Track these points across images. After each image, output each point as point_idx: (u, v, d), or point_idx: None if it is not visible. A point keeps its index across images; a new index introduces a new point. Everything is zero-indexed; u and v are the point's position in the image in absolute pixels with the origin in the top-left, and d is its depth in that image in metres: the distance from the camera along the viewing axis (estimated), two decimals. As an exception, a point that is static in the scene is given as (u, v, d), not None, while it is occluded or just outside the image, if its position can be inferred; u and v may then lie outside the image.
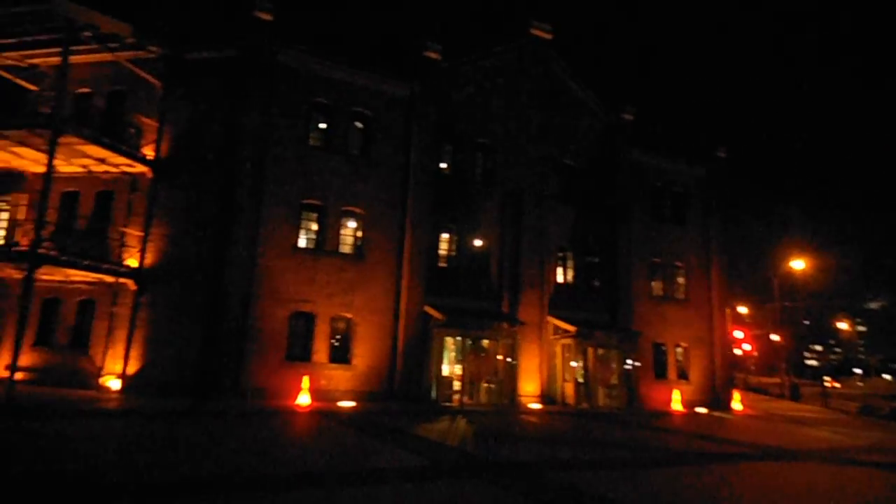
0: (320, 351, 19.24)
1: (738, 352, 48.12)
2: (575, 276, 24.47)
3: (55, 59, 19.68)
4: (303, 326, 19.36)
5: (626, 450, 13.02)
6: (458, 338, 21.19)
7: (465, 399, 20.16)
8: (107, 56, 19.01)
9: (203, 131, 19.16)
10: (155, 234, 19.00)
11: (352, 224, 20.52)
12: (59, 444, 10.47)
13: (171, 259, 18.82)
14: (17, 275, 18.74)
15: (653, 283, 26.32)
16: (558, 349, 22.82)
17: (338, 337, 19.74)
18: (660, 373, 25.58)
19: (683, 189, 27.66)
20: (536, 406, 21.30)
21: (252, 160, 18.57)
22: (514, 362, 21.41)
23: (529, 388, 22.01)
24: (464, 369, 20.68)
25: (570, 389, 22.31)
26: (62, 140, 16.24)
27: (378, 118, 20.93)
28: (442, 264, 22.00)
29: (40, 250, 15.75)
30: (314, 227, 19.94)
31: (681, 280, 27.10)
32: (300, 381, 18.08)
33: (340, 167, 20.14)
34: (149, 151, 19.11)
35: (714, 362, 26.72)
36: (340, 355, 19.63)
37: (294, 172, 19.37)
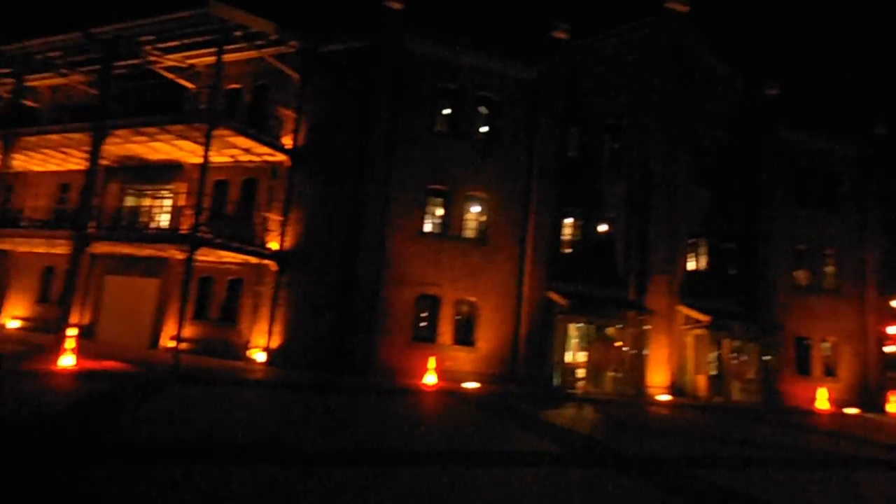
0: (445, 333, 19.71)
1: (894, 349, 43.33)
2: (708, 264, 23.11)
3: (210, 59, 21.49)
4: (428, 309, 19.92)
5: (768, 448, 12.19)
6: (583, 325, 20.83)
7: (590, 387, 19.83)
8: (253, 53, 20.48)
9: (336, 120, 20.13)
10: (293, 219, 20.32)
11: (476, 208, 20.72)
12: (222, 410, 11.59)
13: (307, 242, 20.05)
14: (179, 255, 20.87)
15: (797, 273, 24.26)
16: (689, 340, 21.74)
17: (462, 320, 20.10)
18: (802, 369, 23.63)
19: (835, 170, 25.14)
20: (665, 398, 20.49)
21: (381, 147, 19.26)
22: (642, 352, 20.70)
23: (657, 379, 21.19)
24: (588, 357, 20.32)
25: (701, 382, 21.23)
26: (215, 133, 17.75)
27: (503, 102, 20.87)
28: (566, 249, 21.63)
29: (199, 234, 17.40)
30: (439, 211, 20.36)
31: (829, 269, 24.75)
32: (426, 362, 18.63)
33: (465, 152, 20.35)
34: (287, 141, 20.39)
35: (867, 360, 24.24)
36: (464, 338, 20.00)
37: (421, 158, 19.85)
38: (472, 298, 20.15)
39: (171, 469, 6.91)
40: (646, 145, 22.27)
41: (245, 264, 20.61)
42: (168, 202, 23.25)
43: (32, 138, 21.33)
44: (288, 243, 20.25)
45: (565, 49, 21.14)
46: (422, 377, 18.44)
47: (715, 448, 11.88)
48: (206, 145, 17.47)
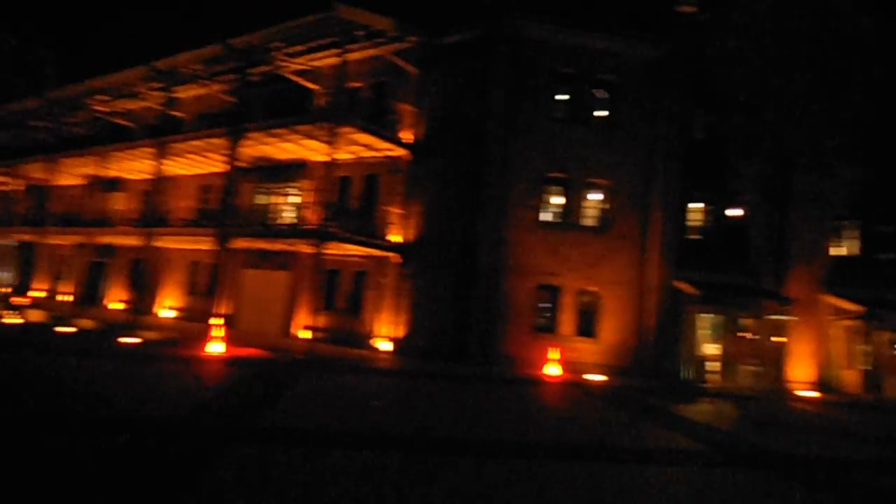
0: (566, 323, 19.37)
1: None
2: (860, 249, 20.94)
3: (332, 60, 22.45)
4: (548, 299, 19.66)
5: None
6: (714, 315, 19.65)
7: (723, 381, 18.70)
8: (372, 51, 21.13)
9: (454, 112, 20.29)
10: (413, 212, 20.79)
11: (596, 196, 20.13)
12: (358, 397, 12.12)
13: (428, 234, 20.45)
14: (308, 249, 22.05)
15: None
16: (838, 331, 19.87)
17: (583, 310, 19.66)
18: (978, 366, 20.82)
19: None
20: (809, 394, 18.89)
21: (498, 136, 19.19)
22: (782, 344, 19.20)
23: (799, 374, 19.58)
24: (721, 349, 19.16)
25: (852, 377, 19.36)
26: (339, 131, 18.53)
27: (624, 84, 20.05)
28: (693, 236, 20.47)
29: (326, 229, 18.27)
30: (558, 200, 19.99)
31: None
32: (546, 352, 18.40)
33: (584, 138, 19.80)
34: (406, 135, 20.86)
35: None
36: (586, 328, 19.55)
37: (538, 146, 19.56)
38: (594, 288, 19.64)
39: (324, 452, 7.30)
40: (784, 123, 20.51)
41: (369, 257, 21.39)
42: (295, 199, 24.62)
43: (180, 144, 23.37)
44: (409, 235, 20.76)
45: (691, 24, 19.92)
46: (543, 367, 18.26)
47: (885, 451, 10.77)
48: (331, 143, 18.25)
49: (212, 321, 21.27)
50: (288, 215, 24.46)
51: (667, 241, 19.60)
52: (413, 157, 20.85)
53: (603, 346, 19.40)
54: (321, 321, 22.59)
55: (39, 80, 37.33)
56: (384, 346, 20.43)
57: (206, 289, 27.51)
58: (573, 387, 16.08)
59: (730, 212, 20.42)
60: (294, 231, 20.08)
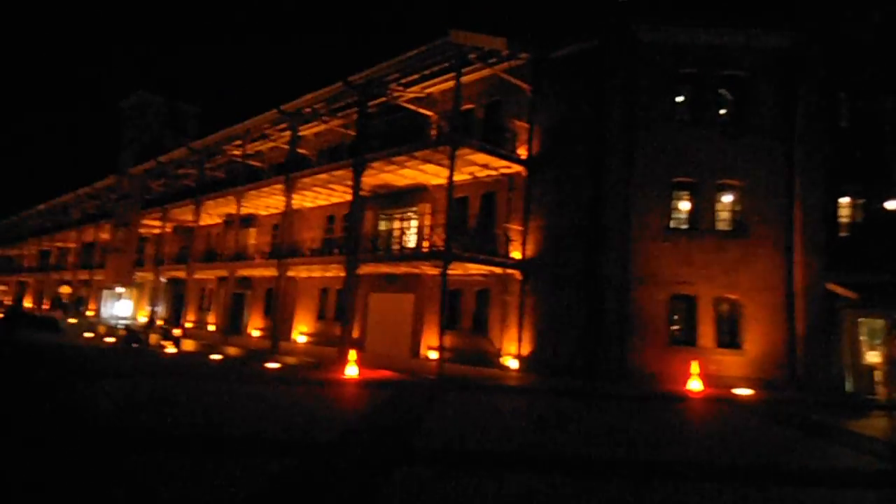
0: (705, 335, 18.26)
1: None
2: None
3: (444, 85, 23.08)
4: (683, 309, 18.67)
5: None
6: (874, 319, 17.70)
7: (891, 392, 16.70)
8: (484, 72, 21.43)
9: (570, 124, 20.02)
10: (533, 227, 20.63)
11: (728, 198, 18.95)
12: (496, 416, 12.05)
13: (549, 249, 20.18)
14: (431, 271, 22.54)
15: None
16: None
17: (723, 319, 18.45)
18: None
19: None
20: None
21: (619, 145, 18.66)
22: (965, 350, 16.87)
23: None
24: (887, 357, 17.16)
25: None
26: (458, 153, 18.82)
27: (752, 78, 18.84)
28: (843, 233, 18.65)
29: (450, 250, 18.56)
30: (686, 205, 19.04)
31: None
32: (685, 366, 17.39)
33: (711, 139, 18.76)
34: (522, 152, 20.84)
35: None
36: (728, 339, 18.31)
37: (662, 151, 18.78)
38: (733, 296, 18.40)
39: (491, 475, 7.26)
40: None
41: (490, 275, 21.45)
42: (415, 223, 25.29)
43: (307, 179, 24.85)
44: (530, 252, 20.61)
45: (829, 4, 18.39)
46: (681, 383, 17.26)
47: None
48: (451, 166, 18.60)
49: (347, 346, 22.29)
50: (409, 239, 25.20)
51: (814, 240, 18.01)
52: (529, 173, 20.76)
53: (748, 358, 18.05)
54: (447, 341, 22.85)
55: (183, 132, 41.39)
56: (512, 363, 20.29)
57: (334, 314, 28.86)
58: (721, 402, 15.04)
59: (890, 204, 18.41)
60: (418, 254, 20.62)
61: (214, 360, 22.63)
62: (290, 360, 22.29)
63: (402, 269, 23.22)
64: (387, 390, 15.11)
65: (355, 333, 27.07)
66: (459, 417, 11.51)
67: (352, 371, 17.72)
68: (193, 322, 37.71)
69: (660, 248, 18.63)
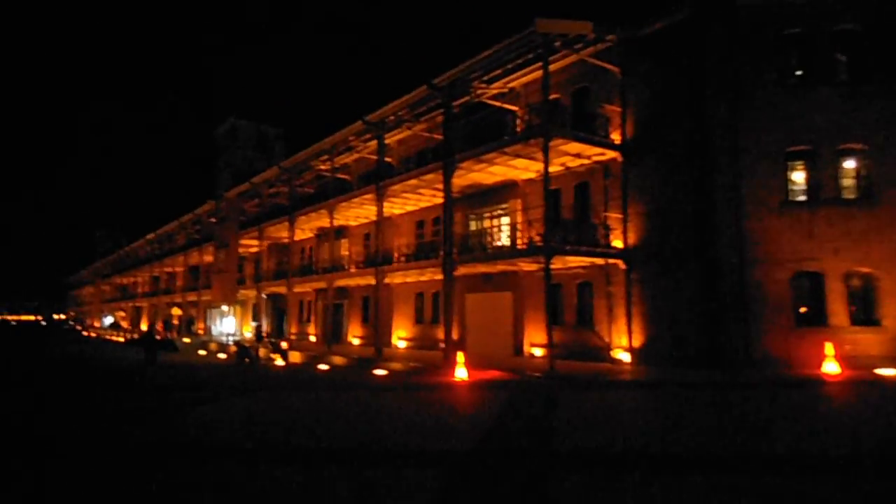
0: (837, 313, 16.88)
1: None
2: None
3: (528, 78, 22.70)
4: (808, 287, 17.36)
5: None
6: None
7: None
8: (570, 59, 20.86)
9: (666, 103, 19.10)
10: (633, 214, 19.83)
11: (851, 164, 17.47)
12: (624, 413, 11.55)
13: (653, 235, 19.33)
14: (528, 267, 22.19)
15: None
16: None
17: (857, 296, 17.00)
18: None
19: None
20: None
21: (723, 118, 17.60)
22: None
23: None
24: None
25: None
26: (551, 144, 18.36)
27: (870, 30, 17.27)
28: None
29: (551, 243, 18.15)
30: (803, 176, 17.70)
31: None
32: (815, 348, 16.11)
33: (827, 102, 17.34)
34: (616, 137, 20.09)
35: None
36: (864, 316, 16.87)
37: (771, 120, 17.55)
38: (866, 269, 16.91)
39: (650, 479, 6.88)
40: None
41: (591, 267, 20.82)
42: (505, 220, 24.99)
43: (396, 186, 25.12)
44: (632, 240, 19.83)
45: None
46: (814, 366, 16.00)
47: None
48: (545, 158, 18.18)
49: (452, 349, 22.30)
50: (501, 237, 24.94)
51: (958, 201, 16.25)
52: (625, 158, 19.97)
53: (890, 335, 16.53)
54: (551, 337, 22.44)
55: (270, 153, 43.17)
56: (624, 356, 19.59)
57: (431, 317, 29.05)
58: (866, 385, 13.80)
59: None
60: (518, 251, 20.25)
61: (322, 371, 23.28)
62: (396, 365, 22.55)
63: (498, 267, 22.98)
64: (502, 391, 14.91)
65: (455, 335, 27.10)
66: (591, 417, 11.10)
67: (461, 373, 17.66)
68: (294, 334, 39.12)
69: (777, 224, 17.40)
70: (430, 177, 23.34)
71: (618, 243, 20.04)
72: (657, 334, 18.92)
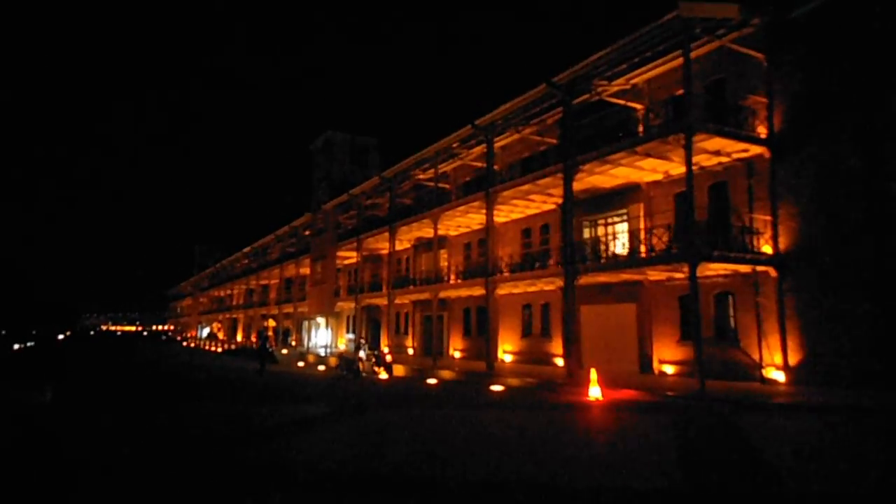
0: None
1: None
2: None
3: (651, 73, 21.11)
4: None
5: None
6: None
7: None
8: (702, 49, 19.08)
9: (822, 90, 16.96)
10: (785, 216, 17.71)
11: None
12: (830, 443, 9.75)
13: (809, 239, 17.14)
14: (655, 276, 20.45)
15: None
16: None
17: None
18: None
19: None
20: None
21: (902, 104, 15.31)
22: None
23: None
24: None
25: None
26: (695, 139, 16.65)
27: None
28: None
29: (699, 249, 16.39)
30: None
31: None
32: None
33: None
34: (761, 130, 18.09)
35: None
36: None
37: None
38: None
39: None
40: None
41: (733, 275, 18.81)
42: (622, 227, 23.26)
43: (507, 192, 23.99)
44: (784, 244, 17.70)
45: None
46: None
47: None
48: (688, 154, 16.52)
49: (573, 364, 20.79)
50: (616, 245, 23.22)
51: None
52: (774, 154, 17.90)
53: None
54: (682, 353, 20.53)
55: (364, 164, 43.25)
56: (777, 375, 17.43)
57: (540, 330, 27.59)
58: None
59: None
60: (657, 258, 18.43)
61: (431, 386, 22.29)
62: (513, 381, 21.25)
63: (622, 276, 21.28)
64: (654, 414, 13.32)
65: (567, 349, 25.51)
66: (799, 449, 9.37)
67: (595, 392, 16.15)
68: (390, 346, 38.64)
69: (974, 224, 14.89)
70: (545, 181, 22.06)
71: (766, 249, 17.95)
72: (819, 349, 16.66)
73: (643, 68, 20.68)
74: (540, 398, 17.08)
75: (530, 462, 8.45)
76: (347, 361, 29.05)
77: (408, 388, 21.41)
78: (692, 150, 17.87)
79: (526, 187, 23.14)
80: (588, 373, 20.35)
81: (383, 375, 27.19)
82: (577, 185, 22.07)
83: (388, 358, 29.16)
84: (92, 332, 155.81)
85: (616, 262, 19.85)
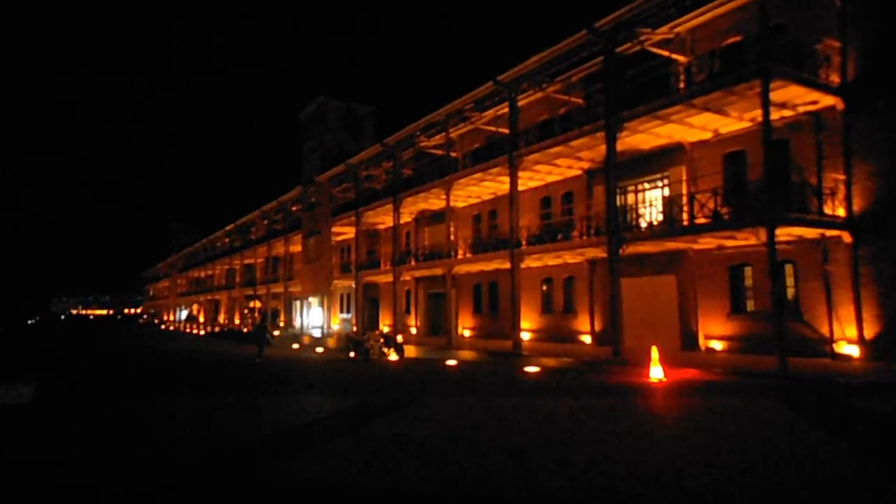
0: None
1: None
2: None
3: (692, 22, 19.11)
4: None
5: None
6: None
7: None
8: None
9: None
10: (861, 175, 15.98)
11: None
12: None
13: (888, 199, 15.45)
14: (699, 245, 18.72)
15: None
16: None
17: None
18: None
19: None
20: None
21: None
22: None
23: None
24: None
25: None
26: (772, 85, 14.74)
27: None
28: None
29: (778, 211, 14.59)
30: None
31: None
32: None
33: None
34: (834, 79, 16.23)
35: None
36: None
37: None
38: None
39: None
40: None
41: (797, 241, 17.08)
42: (657, 193, 21.40)
43: (533, 156, 21.92)
44: (858, 206, 15.99)
45: None
46: None
47: None
48: (764, 104, 14.66)
49: (619, 342, 18.97)
50: (651, 212, 21.36)
51: None
52: (848, 106, 16.09)
53: None
54: (733, 328, 18.89)
55: (360, 133, 40.61)
56: (850, 350, 15.84)
57: (563, 307, 25.79)
58: None
59: None
60: (726, 222, 16.47)
61: (452, 367, 20.34)
62: (548, 361, 19.43)
63: (666, 245, 19.46)
64: (743, 398, 11.57)
65: (598, 326, 23.79)
66: None
67: (657, 373, 14.38)
68: (391, 326, 36.61)
69: None
70: (579, 142, 20.06)
71: (840, 211, 16.22)
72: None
73: (692, 13, 18.61)
74: (591, 380, 15.24)
75: (655, 468, 6.52)
76: (355, 343, 26.90)
77: (429, 371, 19.36)
78: (750, 101, 16.09)
79: (556, 149, 21.08)
80: (631, 351, 18.66)
81: (393, 357, 25.15)
82: (618, 147, 20.09)
83: (400, 338, 27.12)
84: (62, 317, 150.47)
85: (671, 230, 17.88)
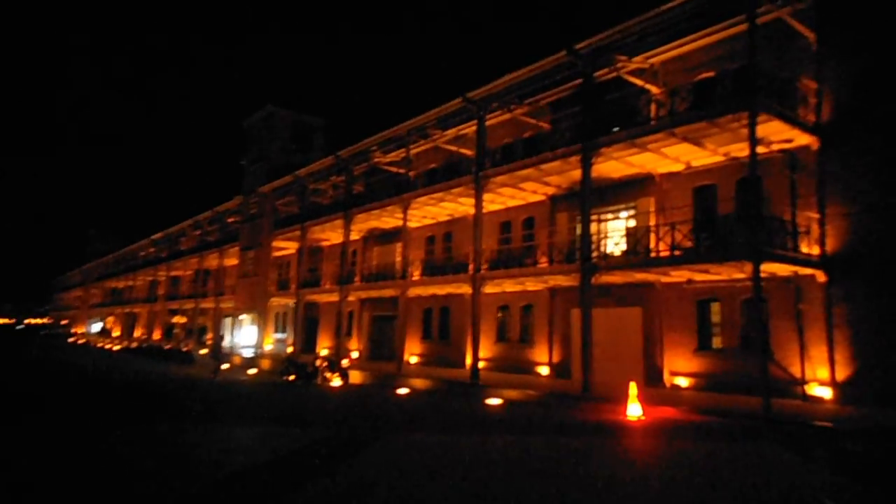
0: None
1: None
2: None
3: (671, 53, 18.96)
4: None
5: None
6: None
7: None
8: (731, 30, 17.09)
9: (881, 75, 15.30)
10: (832, 214, 15.97)
11: None
12: None
13: (862, 239, 15.45)
14: (668, 278, 18.28)
15: None
16: None
17: None
18: None
19: None
20: None
21: None
22: None
23: None
24: None
25: None
26: (759, 119, 14.52)
27: None
28: None
29: (760, 246, 14.22)
30: None
31: None
32: None
33: None
34: (810, 117, 16.27)
35: None
36: None
37: None
38: None
39: None
40: None
41: (768, 278, 16.81)
42: (620, 224, 20.99)
43: (500, 178, 21.12)
44: (832, 246, 15.93)
45: None
46: None
47: None
48: (751, 135, 14.35)
49: (582, 374, 18.12)
50: (608, 244, 20.86)
51: None
52: (824, 144, 16.12)
53: None
54: (699, 365, 18.46)
55: (309, 146, 38.82)
56: (821, 392, 15.60)
57: (519, 336, 24.87)
58: None
59: None
60: (705, 255, 16.08)
61: (404, 396, 18.98)
62: (510, 393, 18.35)
63: (635, 277, 18.93)
64: (739, 443, 10.86)
65: (556, 357, 22.97)
66: None
67: (635, 410, 13.60)
68: (330, 348, 34.67)
69: None
70: (550, 165, 19.39)
71: (814, 250, 16.12)
72: (874, 364, 14.96)
73: (669, 45, 18.42)
74: (563, 416, 14.28)
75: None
76: (296, 365, 24.98)
77: (382, 400, 17.91)
78: (724, 136, 15.97)
79: (524, 172, 20.33)
80: (594, 385, 17.88)
81: (336, 382, 23.42)
82: (578, 175, 19.52)
83: (345, 362, 25.39)
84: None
85: (646, 260, 17.29)
